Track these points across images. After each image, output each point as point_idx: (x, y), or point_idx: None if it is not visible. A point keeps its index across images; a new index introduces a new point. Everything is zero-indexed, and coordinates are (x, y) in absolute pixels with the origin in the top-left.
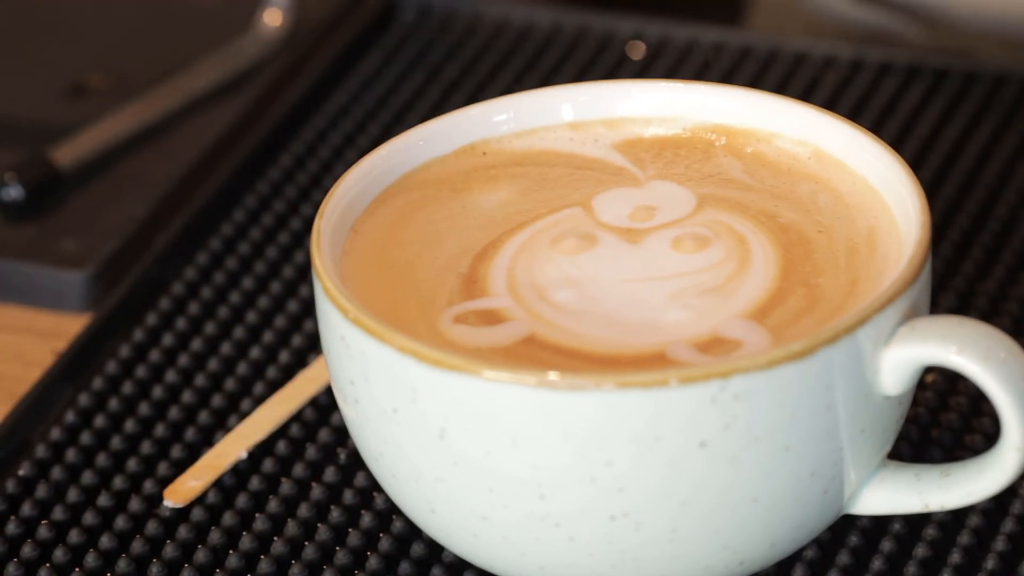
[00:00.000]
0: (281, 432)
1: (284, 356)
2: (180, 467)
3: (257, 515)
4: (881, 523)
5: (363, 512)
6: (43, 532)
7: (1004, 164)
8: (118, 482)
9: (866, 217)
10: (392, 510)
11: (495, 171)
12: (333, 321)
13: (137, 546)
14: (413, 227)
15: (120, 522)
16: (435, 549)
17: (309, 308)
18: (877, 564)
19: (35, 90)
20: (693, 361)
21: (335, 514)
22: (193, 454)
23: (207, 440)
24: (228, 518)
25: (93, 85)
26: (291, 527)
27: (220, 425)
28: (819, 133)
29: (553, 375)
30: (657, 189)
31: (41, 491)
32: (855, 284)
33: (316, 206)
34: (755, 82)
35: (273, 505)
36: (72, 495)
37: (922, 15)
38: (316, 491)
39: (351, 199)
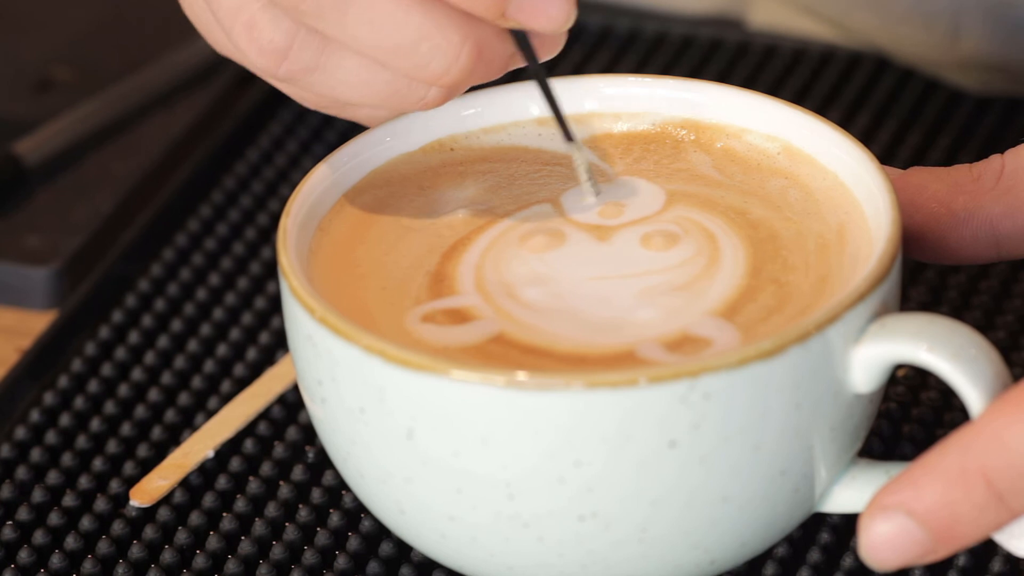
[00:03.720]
0: (248, 430)
1: (251, 353)
2: (146, 466)
3: (224, 514)
4: (852, 521)
5: (331, 511)
6: (7, 533)
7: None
8: (84, 482)
9: (836, 213)
10: (360, 509)
11: (463, 167)
12: (300, 320)
13: (103, 546)
14: (380, 225)
15: (86, 522)
16: (404, 548)
17: (277, 305)
18: (848, 562)
19: (0, 85)
20: (662, 360)
21: (303, 513)
22: (160, 453)
23: (174, 439)
24: (195, 518)
25: (59, 79)
26: (258, 526)
27: (187, 424)
28: (789, 128)
29: (522, 375)
30: (626, 185)
31: (5, 491)
32: (825, 281)
33: (283, 201)
34: (725, 76)
35: (240, 504)
36: (37, 495)
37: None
38: (284, 490)
39: (317, 196)
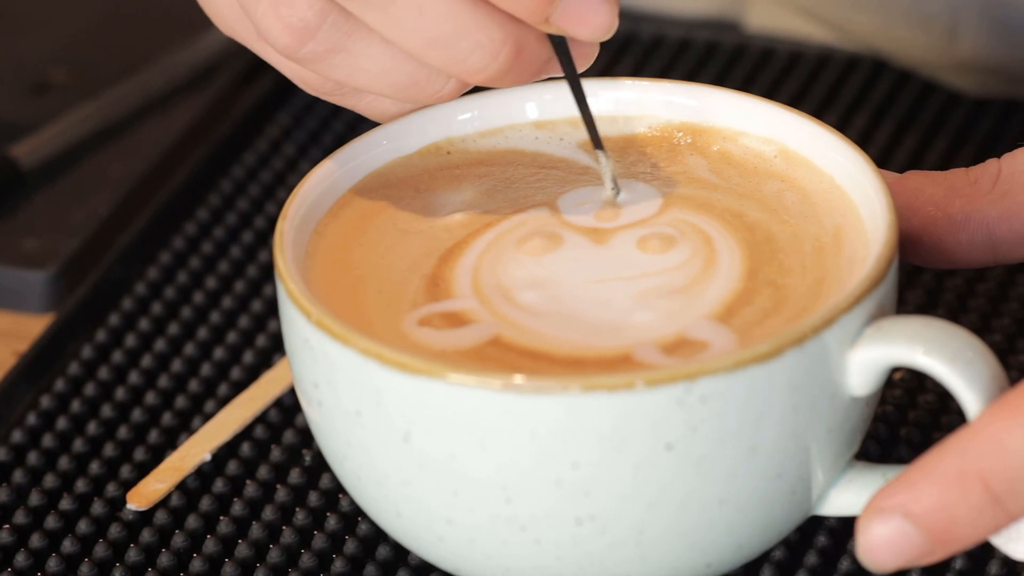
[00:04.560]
0: (245, 434)
1: (248, 357)
2: (143, 470)
3: (221, 518)
4: (849, 524)
5: (328, 514)
6: (4, 536)
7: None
8: (80, 485)
9: (833, 216)
10: (357, 512)
11: (460, 171)
12: (297, 324)
13: (100, 550)
14: (377, 228)
15: (82, 526)
16: (401, 552)
17: (274, 308)
18: (845, 565)
19: None
20: (659, 363)
21: (300, 516)
22: (156, 456)
23: (171, 442)
24: (192, 521)
25: (56, 82)
26: (256, 530)
27: (184, 427)
28: (785, 131)
29: (518, 378)
30: (623, 188)
31: (2, 495)
32: (821, 284)
33: (280, 204)
34: (722, 78)
35: (237, 508)
36: (34, 498)
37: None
38: (281, 493)
39: (314, 199)
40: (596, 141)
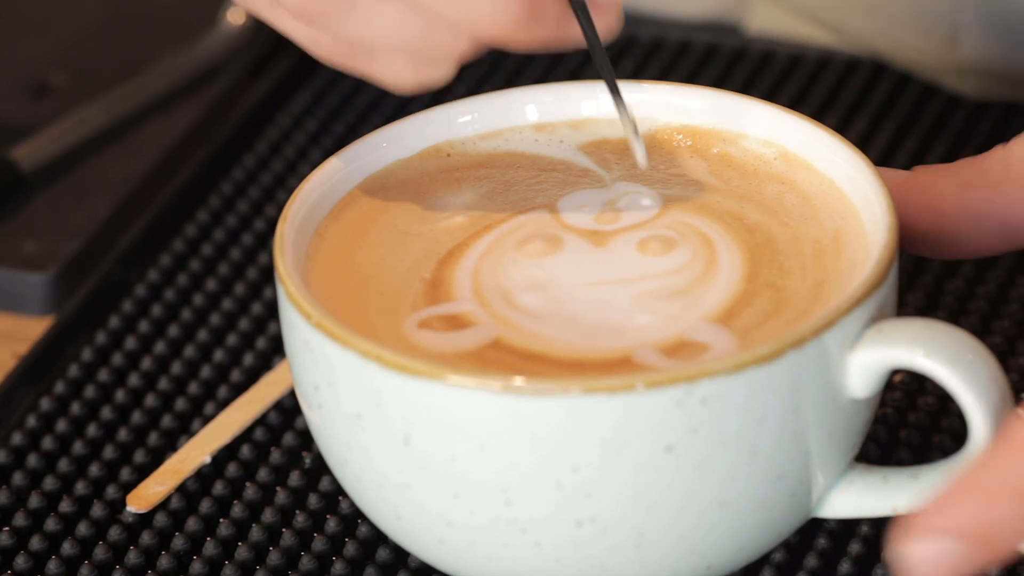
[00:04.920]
0: (245, 436)
1: (248, 359)
2: (143, 472)
3: (221, 520)
4: (849, 526)
5: (328, 517)
6: (4, 539)
7: None
8: (80, 487)
9: (833, 218)
10: (357, 514)
11: (460, 173)
12: (297, 326)
13: (99, 552)
14: (377, 231)
15: (82, 528)
16: (401, 554)
17: (273, 310)
18: (845, 567)
19: None
20: (659, 365)
21: (300, 519)
22: (156, 459)
23: (170, 445)
24: (192, 523)
25: (56, 84)
26: (255, 532)
27: (184, 429)
28: (785, 133)
29: (519, 380)
30: (623, 191)
31: (2, 497)
32: (822, 286)
33: (280, 207)
34: (721, 81)
35: (237, 510)
36: (34, 501)
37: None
38: (281, 496)
39: (314, 202)
40: (616, 94)
